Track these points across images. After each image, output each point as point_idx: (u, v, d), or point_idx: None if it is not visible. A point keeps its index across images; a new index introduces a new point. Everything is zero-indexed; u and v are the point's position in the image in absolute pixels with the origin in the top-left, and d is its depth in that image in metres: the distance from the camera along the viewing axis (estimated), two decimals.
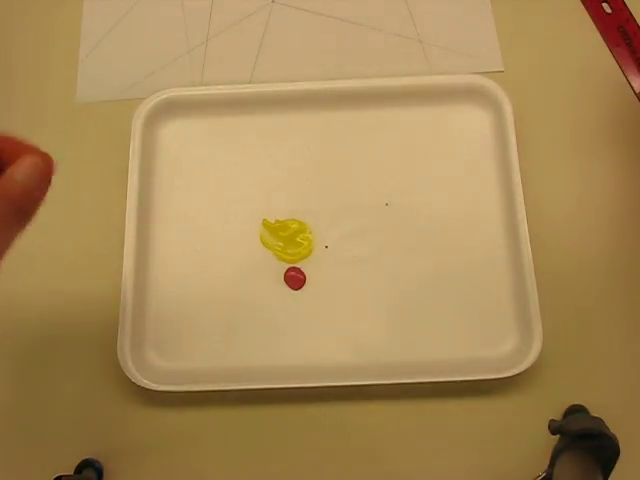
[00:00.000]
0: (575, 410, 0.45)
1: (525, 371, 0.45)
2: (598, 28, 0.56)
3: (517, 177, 0.48)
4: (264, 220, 0.50)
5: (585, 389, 0.46)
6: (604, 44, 0.55)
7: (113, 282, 0.48)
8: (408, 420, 0.46)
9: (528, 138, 0.51)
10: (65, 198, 0.51)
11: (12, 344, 0.49)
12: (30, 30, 0.58)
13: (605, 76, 0.54)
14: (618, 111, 0.53)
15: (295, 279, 0.49)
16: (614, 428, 0.40)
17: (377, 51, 0.56)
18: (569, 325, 0.48)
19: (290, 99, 0.52)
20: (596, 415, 0.43)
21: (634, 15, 0.56)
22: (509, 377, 0.45)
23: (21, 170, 0.33)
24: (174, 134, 0.53)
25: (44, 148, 0.55)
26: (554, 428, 0.40)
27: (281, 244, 0.50)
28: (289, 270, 0.49)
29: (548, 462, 0.40)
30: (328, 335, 0.47)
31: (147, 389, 0.45)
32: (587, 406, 0.45)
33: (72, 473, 0.45)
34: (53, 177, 0.35)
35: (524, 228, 0.47)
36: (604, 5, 0.57)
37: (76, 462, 0.45)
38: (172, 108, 0.52)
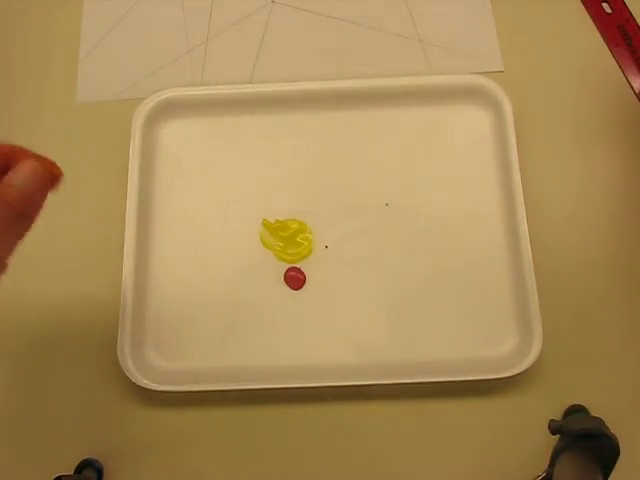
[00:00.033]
0: (575, 410, 0.45)
1: (525, 371, 0.45)
2: (598, 28, 0.56)
3: (517, 177, 0.48)
4: (264, 220, 0.50)
5: (585, 389, 0.46)
6: (604, 44, 0.55)
7: (113, 282, 0.48)
8: (408, 420, 0.46)
9: (528, 138, 0.51)
10: (65, 198, 0.51)
11: (12, 344, 0.49)
12: (30, 30, 0.58)
13: (605, 76, 0.54)
14: (618, 111, 0.53)
15: (295, 279, 0.49)
16: (614, 428, 0.40)
17: (377, 51, 0.56)
18: (569, 325, 0.48)
19: (290, 99, 0.52)
20: (596, 415, 0.43)
21: (634, 15, 0.56)
22: (509, 377, 0.45)
23: (20, 175, 0.33)
24: (174, 134, 0.53)
25: (44, 148, 0.55)
26: (554, 428, 0.40)
27: (281, 244, 0.50)
28: (289, 270, 0.49)
29: (548, 462, 0.40)
30: (328, 335, 0.47)
31: (147, 389, 0.45)
32: (587, 406, 0.45)
33: (72, 473, 0.45)
34: (60, 180, 0.36)
35: (524, 228, 0.47)
36: (604, 5, 0.57)
37: (76, 462, 0.45)
38: (172, 108, 0.52)
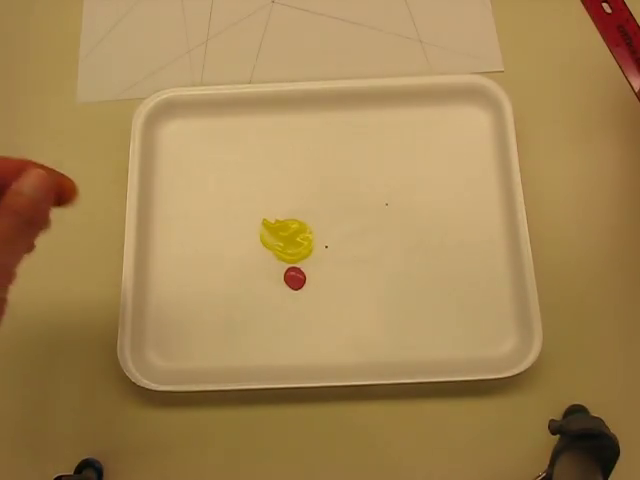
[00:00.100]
0: (575, 410, 0.45)
1: (525, 371, 0.45)
2: (598, 28, 0.56)
3: (517, 177, 0.48)
4: (264, 220, 0.50)
5: (585, 389, 0.46)
6: (604, 44, 0.55)
7: (113, 282, 0.48)
8: (408, 420, 0.46)
9: (528, 138, 0.51)
10: None
11: (12, 344, 0.49)
12: (30, 30, 0.58)
13: (605, 76, 0.54)
14: (618, 111, 0.53)
15: (295, 279, 0.49)
16: (614, 428, 0.40)
17: (377, 51, 0.56)
18: (569, 325, 0.48)
19: (290, 99, 0.52)
20: (596, 415, 0.43)
21: (634, 15, 0.56)
22: (509, 377, 0.45)
23: (28, 182, 0.33)
24: (174, 134, 0.53)
25: (44, 148, 0.55)
26: (554, 428, 0.40)
27: (281, 244, 0.50)
28: (289, 270, 0.49)
29: (548, 462, 0.40)
30: (328, 335, 0.47)
31: (147, 389, 0.45)
32: (587, 406, 0.45)
33: (72, 473, 0.45)
34: (75, 195, 0.36)
35: (524, 228, 0.47)
36: (604, 5, 0.57)
37: (76, 462, 0.45)
38: (172, 108, 0.52)
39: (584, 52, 0.55)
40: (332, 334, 0.47)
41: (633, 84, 0.54)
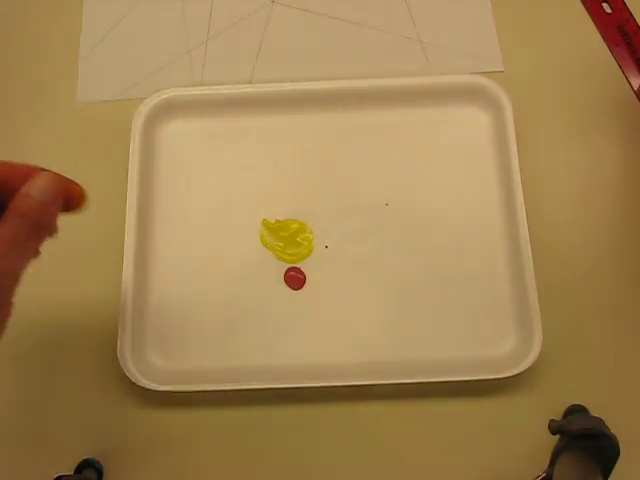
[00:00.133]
0: (575, 410, 0.45)
1: (525, 371, 0.45)
2: (598, 28, 0.56)
3: (517, 177, 0.48)
4: (264, 220, 0.50)
5: (585, 389, 0.46)
6: (604, 44, 0.55)
7: (113, 282, 0.48)
8: (408, 420, 0.46)
9: (528, 138, 0.51)
10: None
11: (12, 344, 0.49)
12: (30, 30, 0.58)
13: (605, 76, 0.54)
14: (618, 111, 0.53)
15: (295, 279, 0.49)
16: (614, 428, 0.40)
17: (377, 51, 0.56)
18: (569, 325, 0.48)
19: (290, 99, 0.52)
20: (596, 415, 0.43)
21: (634, 15, 0.56)
22: (509, 377, 0.45)
23: (37, 185, 0.33)
24: (174, 134, 0.53)
25: (44, 148, 0.55)
26: (554, 428, 0.40)
27: (281, 244, 0.50)
28: (289, 270, 0.49)
29: (548, 462, 0.40)
30: (328, 335, 0.47)
31: (147, 389, 0.45)
32: (587, 406, 0.45)
33: (72, 473, 0.45)
34: (84, 200, 0.37)
35: (524, 228, 0.47)
36: (604, 5, 0.57)
37: (76, 462, 0.45)
38: (172, 108, 0.52)
39: (584, 52, 0.55)
40: (332, 334, 0.47)
41: (633, 84, 0.54)
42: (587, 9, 0.57)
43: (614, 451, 0.39)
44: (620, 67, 0.55)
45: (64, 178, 0.35)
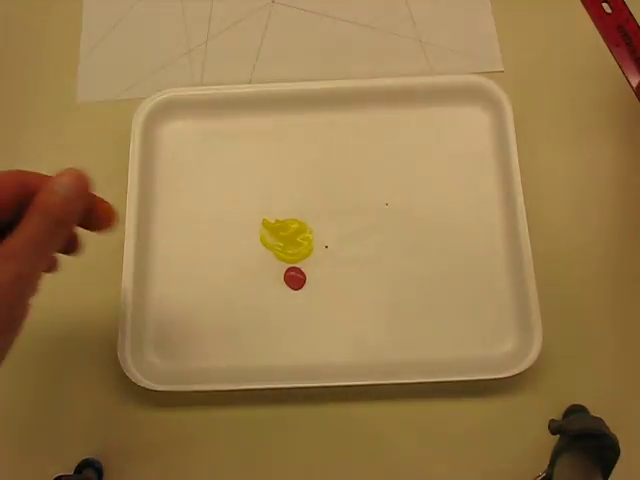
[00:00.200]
0: (575, 410, 0.45)
1: (525, 371, 0.45)
2: (598, 28, 0.56)
3: (517, 177, 0.48)
4: (264, 220, 0.50)
5: (585, 389, 0.46)
6: (604, 44, 0.55)
7: (113, 282, 0.48)
8: (408, 420, 0.46)
9: (528, 138, 0.51)
10: None
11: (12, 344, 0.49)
12: (30, 30, 0.58)
13: (605, 76, 0.54)
14: (618, 111, 0.53)
15: (295, 279, 0.49)
16: (614, 428, 0.40)
17: (377, 51, 0.56)
18: (569, 325, 0.48)
19: (290, 99, 0.52)
20: (596, 415, 0.43)
21: (634, 15, 0.56)
22: (509, 377, 0.45)
23: (62, 181, 0.32)
24: (174, 134, 0.53)
25: (44, 148, 0.55)
26: (554, 428, 0.40)
27: (281, 244, 0.50)
28: (289, 270, 0.49)
29: (548, 462, 0.40)
30: (328, 335, 0.47)
31: (147, 389, 0.45)
32: (587, 406, 0.45)
33: (72, 473, 0.45)
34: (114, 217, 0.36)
35: (524, 228, 0.47)
36: (604, 5, 0.57)
37: (76, 462, 0.45)
38: (172, 108, 0.52)
39: (584, 52, 0.55)
40: (332, 334, 0.47)
41: (633, 84, 0.54)
42: (587, 9, 0.57)
43: (614, 451, 0.39)
44: (620, 67, 0.55)
45: (94, 195, 0.35)
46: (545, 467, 0.41)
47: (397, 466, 0.45)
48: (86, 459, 0.45)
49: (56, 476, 0.43)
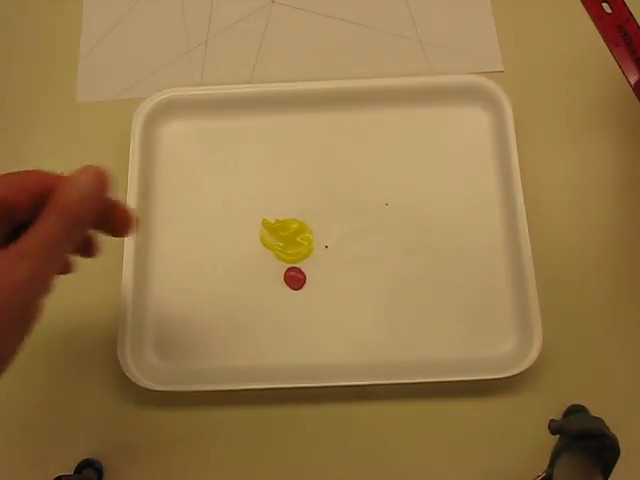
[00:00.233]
0: (575, 410, 0.45)
1: (525, 371, 0.45)
2: (598, 28, 0.56)
3: (517, 177, 0.48)
4: (264, 220, 0.50)
5: (585, 389, 0.46)
6: (604, 44, 0.55)
7: (113, 282, 0.48)
8: (408, 420, 0.46)
9: (528, 138, 0.51)
10: None
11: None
12: (30, 30, 0.58)
13: (605, 76, 0.54)
14: (618, 111, 0.53)
15: (295, 279, 0.49)
16: (614, 428, 0.40)
17: (377, 51, 0.56)
18: (569, 325, 0.48)
19: (290, 99, 0.52)
20: (596, 415, 0.43)
21: (634, 15, 0.56)
22: (509, 377, 0.45)
23: (81, 178, 0.32)
24: (174, 134, 0.53)
25: (44, 148, 0.55)
26: (554, 428, 0.40)
27: (281, 244, 0.50)
28: (289, 270, 0.49)
29: (548, 462, 0.40)
30: (328, 335, 0.47)
31: (147, 389, 0.45)
32: (587, 406, 0.45)
33: (72, 473, 0.45)
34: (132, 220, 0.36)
35: (524, 228, 0.47)
36: (604, 5, 0.57)
37: (76, 462, 0.45)
38: (172, 108, 0.52)
39: (584, 52, 0.55)
40: (332, 334, 0.47)
41: (632, 83, 0.54)
42: (587, 9, 0.57)
43: (614, 451, 0.39)
44: (620, 67, 0.55)
45: (112, 200, 0.35)
46: (545, 467, 0.41)
47: (397, 466, 0.45)
48: (86, 459, 0.45)
49: (56, 476, 0.43)
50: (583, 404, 0.45)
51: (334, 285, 0.49)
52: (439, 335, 0.47)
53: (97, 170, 0.33)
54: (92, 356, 0.48)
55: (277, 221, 0.50)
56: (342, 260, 0.49)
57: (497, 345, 0.47)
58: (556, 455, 0.40)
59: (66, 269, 0.37)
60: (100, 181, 0.33)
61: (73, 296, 0.49)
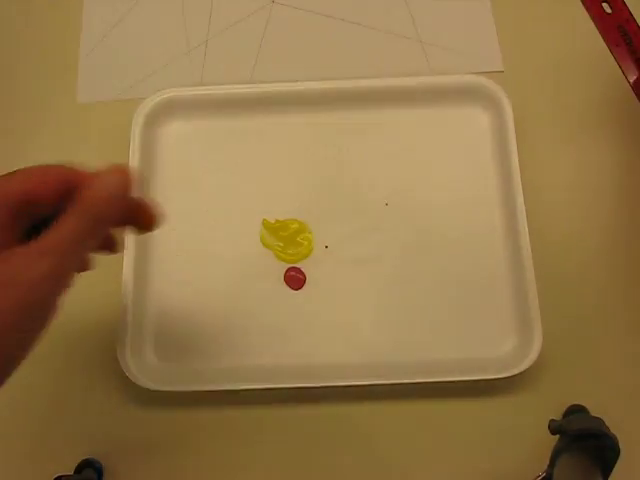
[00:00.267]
0: (575, 410, 0.45)
1: (525, 371, 0.45)
2: (598, 28, 0.56)
3: (517, 177, 0.48)
4: (264, 220, 0.50)
5: (585, 389, 0.46)
6: (604, 44, 0.55)
7: (113, 282, 0.48)
8: (408, 420, 0.46)
9: (528, 138, 0.51)
10: None
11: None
12: (31, 30, 0.58)
13: (605, 76, 0.54)
14: (618, 111, 0.53)
15: (295, 279, 0.49)
16: (614, 428, 0.40)
17: (377, 51, 0.56)
18: (569, 325, 0.48)
19: (290, 99, 0.52)
20: (596, 415, 0.43)
21: (634, 15, 0.56)
22: (509, 377, 0.45)
23: (107, 177, 0.32)
24: (174, 134, 0.53)
25: (44, 148, 0.55)
26: (554, 428, 0.40)
27: (281, 244, 0.50)
28: (289, 270, 0.49)
29: (548, 462, 0.40)
30: (328, 335, 0.47)
31: (147, 389, 0.45)
32: (587, 406, 0.45)
33: (72, 473, 0.45)
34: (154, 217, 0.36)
35: (524, 228, 0.47)
36: (604, 5, 0.57)
37: (76, 462, 0.45)
38: (172, 108, 0.52)
39: (584, 52, 0.55)
40: (332, 334, 0.47)
41: (632, 83, 0.54)
42: (587, 9, 0.57)
43: (614, 451, 0.39)
44: (620, 67, 0.55)
45: (139, 199, 0.35)
46: (545, 467, 0.41)
47: (397, 466, 0.45)
48: (86, 459, 0.45)
49: (56, 476, 0.43)
50: (583, 404, 0.45)
51: (334, 285, 0.49)
52: (439, 335, 0.47)
53: (124, 168, 0.33)
54: (92, 356, 0.48)
55: (277, 221, 0.50)
56: (342, 260, 0.49)
57: (497, 345, 0.47)
58: (556, 455, 0.40)
59: (85, 266, 0.36)
60: (127, 180, 0.33)
61: (73, 296, 0.49)
